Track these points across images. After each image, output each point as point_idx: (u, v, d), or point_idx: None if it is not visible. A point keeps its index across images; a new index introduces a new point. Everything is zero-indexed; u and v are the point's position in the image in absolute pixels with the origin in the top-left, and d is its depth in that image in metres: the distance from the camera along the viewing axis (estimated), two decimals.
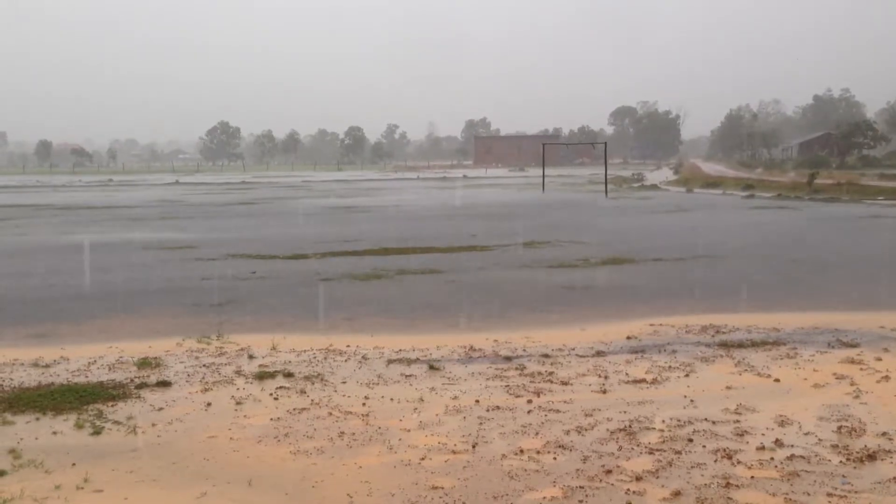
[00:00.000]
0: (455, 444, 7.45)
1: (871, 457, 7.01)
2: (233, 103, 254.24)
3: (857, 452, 7.11)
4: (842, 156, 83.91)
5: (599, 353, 10.84)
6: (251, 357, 10.84)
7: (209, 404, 8.78)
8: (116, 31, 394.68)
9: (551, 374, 9.83)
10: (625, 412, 8.32)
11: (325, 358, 10.75)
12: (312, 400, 8.88)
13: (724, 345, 11.18)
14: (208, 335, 12.16)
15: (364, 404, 8.72)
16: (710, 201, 45.48)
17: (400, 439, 7.63)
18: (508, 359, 10.61)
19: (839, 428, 7.77)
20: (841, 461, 6.94)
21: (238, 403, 8.80)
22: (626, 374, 9.82)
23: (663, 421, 8.02)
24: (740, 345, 11.17)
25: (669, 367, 10.10)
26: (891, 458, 7.00)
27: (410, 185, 73.38)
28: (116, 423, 8.18)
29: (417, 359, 10.65)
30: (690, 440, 7.48)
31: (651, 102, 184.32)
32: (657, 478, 6.62)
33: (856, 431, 7.67)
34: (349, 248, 23.65)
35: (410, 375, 9.87)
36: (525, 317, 13.55)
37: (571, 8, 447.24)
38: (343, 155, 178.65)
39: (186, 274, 18.93)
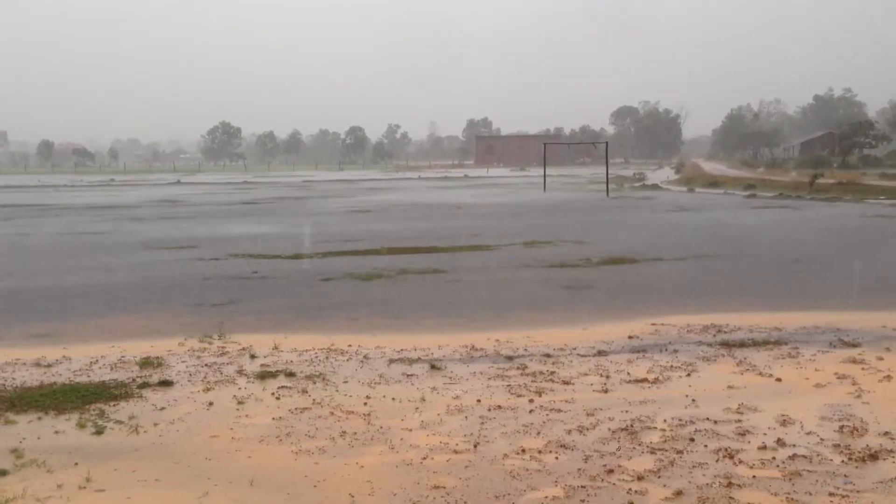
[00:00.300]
0: (457, 444, 7.45)
1: (873, 456, 7.01)
2: (234, 103, 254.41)
3: (859, 452, 7.10)
4: (843, 155, 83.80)
5: (601, 353, 10.84)
6: (253, 357, 10.84)
7: (211, 404, 8.79)
8: (118, 31, 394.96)
9: (553, 373, 9.83)
10: (626, 412, 8.32)
11: (327, 357, 10.75)
12: (314, 399, 8.88)
13: (726, 344, 11.18)
14: (210, 335, 12.16)
15: (366, 404, 8.72)
16: (712, 201, 45.45)
17: (402, 439, 7.63)
18: (510, 358, 10.61)
19: (841, 427, 7.77)
20: (843, 461, 6.94)
21: (240, 403, 8.81)
22: (628, 373, 9.82)
23: (665, 420, 8.02)
24: (742, 344, 11.16)
25: (671, 366, 10.10)
26: (892, 457, 6.99)
27: (412, 185, 73.36)
28: (118, 422, 8.18)
29: (419, 358, 10.65)
30: (692, 440, 7.48)
31: (652, 102, 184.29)
32: (659, 477, 6.62)
33: (857, 431, 7.66)
34: (350, 247, 23.66)
35: (412, 375, 9.87)
36: (526, 316, 13.55)
37: (573, 7, 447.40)
38: (344, 155, 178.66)
39: (188, 273, 18.94)
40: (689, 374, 9.73)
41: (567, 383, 9.40)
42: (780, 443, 7.36)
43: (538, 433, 7.71)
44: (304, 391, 9.20)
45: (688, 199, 47.12)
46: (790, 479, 6.55)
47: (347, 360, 10.64)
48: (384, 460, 7.10)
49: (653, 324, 12.63)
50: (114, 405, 8.74)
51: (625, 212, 38.33)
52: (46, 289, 17.01)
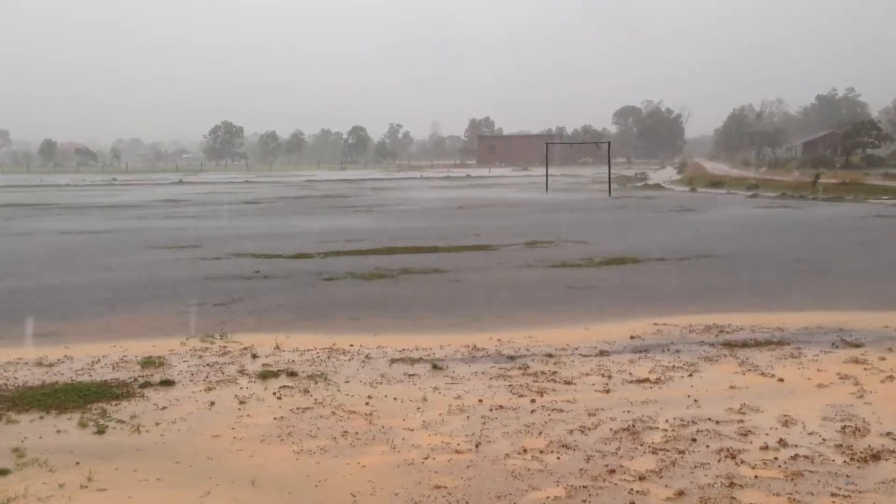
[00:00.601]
0: (458, 444, 7.45)
1: (875, 457, 6.99)
2: (236, 103, 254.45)
3: (861, 452, 7.09)
4: (846, 155, 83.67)
5: (603, 353, 10.83)
6: (254, 356, 10.85)
7: (213, 403, 8.79)
8: (119, 31, 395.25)
9: (555, 373, 9.83)
10: (628, 412, 8.31)
11: (329, 357, 10.76)
12: (316, 399, 8.89)
13: (728, 344, 11.16)
14: (212, 334, 12.17)
15: (367, 404, 8.72)
16: (714, 201, 45.43)
17: (403, 439, 7.63)
18: (512, 358, 10.60)
19: (843, 428, 7.76)
20: (845, 461, 6.93)
21: (241, 403, 8.81)
22: (630, 373, 9.81)
23: (667, 421, 8.01)
24: (744, 344, 11.15)
25: (673, 366, 10.09)
26: (895, 458, 6.98)
27: (414, 185, 73.38)
28: (120, 422, 8.19)
29: (421, 358, 10.65)
30: (694, 440, 7.47)
31: (654, 102, 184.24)
32: (660, 477, 6.61)
33: (860, 431, 7.65)
34: (352, 247, 23.67)
35: (414, 375, 9.87)
36: (528, 316, 13.55)
37: (573, 7, 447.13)
38: (346, 155, 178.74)
39: (189, 273, 18.96)
40: (691, 375, 9.72)
41: (569, 383, 9.39)
42: (782, 443, 7.35)
43: (540, 433, 7.70)
44: (306, 391, 9.20)
45: (690, 199, 47.09)
46: (792, 480, 6.54)
47: (349, 359, 10.64)
48: (386, 460, 7.10)
49: (655, 324, 12.62)
50: (115, 404, 8.75)
51: (627, 212, 38.31)
52: (48, 288, 17.02)
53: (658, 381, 9.47)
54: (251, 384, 9.52)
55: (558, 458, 7.08)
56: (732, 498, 6.21)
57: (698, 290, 15.94)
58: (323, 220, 35.08)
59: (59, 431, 7.92)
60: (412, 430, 7.87)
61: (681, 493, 6.28)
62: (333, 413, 8.41)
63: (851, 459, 6.96)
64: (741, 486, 6.42)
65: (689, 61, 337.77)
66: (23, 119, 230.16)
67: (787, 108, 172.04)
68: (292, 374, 9.88)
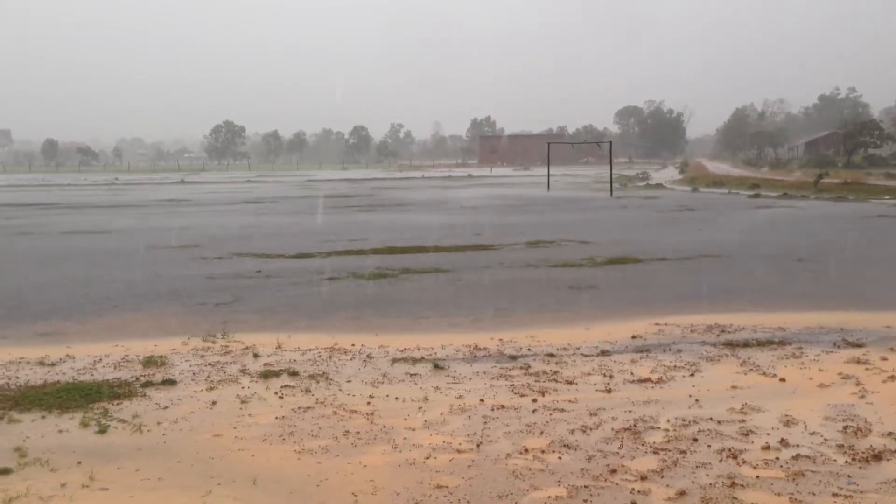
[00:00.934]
0: (460, 444, 7.45)
1: (877, 457, 6.99)
2: (238, 102, 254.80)
3: (863, 452, 7.09)
4: (848, 155, 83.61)
5: (604, 353, 10.83)
6: (256, 356, 10.85)
7: (214, 403, 8.80)
8: (121, 31, 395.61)
9: (556, 373, 9.83)
10: (630, 412, 8.31)
11: (330, 357, 10.76)
12: (317, 399, 8.89)
13: (730, 344, 11.16)
14: (213, 334, 12.18)
15: (369, 403, 8.72)
16: (716, 200, 45.40)
17: (405, 438, 7.63)
18: (513, 358, 10.60)
19: (845, 428, 7.75)
20: (846, 461, 6.93)
21: (243, 402, 8.81)
22: (631, 373, 9.81)
23: (668, 420, 8.01)
24: (745, 344, 11.15)
25: (674, 366, 10.09)
26: None
27: (420, 185, 73.40)
28: (122, 421, 8.20)
29: (422, 358, 10.65)
30: (695, 440, 7.47)
31: (656, 101, 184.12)
32: (662, 477, 6.61)
33: (861, 431, 7.65)
34: (354, 247, 23.68)
35: (415, 374, 9.87)
36: (530, 316, 13.55)
37: (575, 7, 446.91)
38: (348, 154, 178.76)
39: (191, 273, 18.96)
40: (692, 374, 9.72)
41: (570, 383, 9.39)
42: (784, 443, 7.35)
43: (541, 433, 7.70)
44: (308, 390, 9.20)
45: (692, 199, 47.07)
46: (794, 480, 6.54)
47: (350, 359, 10.65)
48: (387, 460, 7.10)
49: (656, 324, 12.62)
50: (117, 404, 8.76)
51: (629, 211, 38.31)
52: (49, 288, 17.03)
53: (659, 380, 9.47)
54: (253, 384, 9.53)
55: (560, 457, 7.08)
56: (734, 498, 6.20)
57: (700, 290, 15.93)
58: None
59: (60, 431, 7.92)
60: (414, 429, 7.88)
61: (682, 493, 6.28)
62: (335, 412, 8.41)
63: (853, 459, 6.95)
64: (743, 485, 6.42)
65: (691, 61, 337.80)
66: (24, 119, 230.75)
67: (789, 107, 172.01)
68: (294, 373, 9.89)
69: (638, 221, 32.75)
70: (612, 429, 7.80)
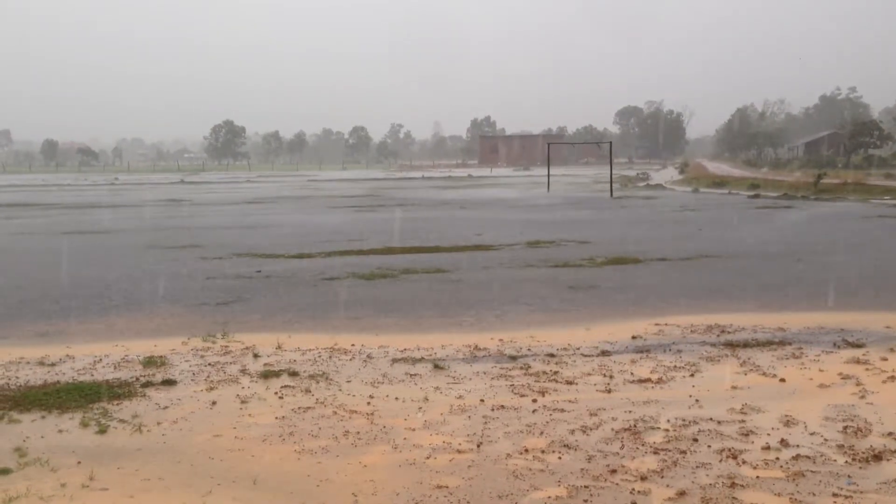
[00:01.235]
0: (460, 444, 7.45)
1: (877, 457, 6.99)
2: (238, 103, 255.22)
3: (863, 453, 7.09)
4: (848, 155, 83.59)
5: (604, 353, 10.83)
6: (256, 356, 10.85)
7: (214, 403, 8.79)
8: (121, 31, 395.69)
9: (556, 373, 9.83)
10: (630, 412, 8.30)
11: (330, 357, 10.76)
12: (317, 399, 8.89)
13: (730, 344, 11.16)
14: (213, 334, 12.18)
15: (369, 403, 8.72)
16: (716, 201, 45.40)
17: (405, 438, 7.62)
18: (513, 358, 10.60)
19: (845, 428, 7.75)
20: (846, 461, 6.92)
21: (243, 402, 8.81)
22: (631, 373, 9.80)
23: (668, 421, 8.01)
24: (745, 344, 11.14)
25: (674, 366, 10.08)
26: None
27: (417, 185, 73.39)
28: (122, 421, 8.19)
29: (422, 358, 10.65)
30: (695, 440, 7.47)
31: (656, 102, 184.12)
32: (662, 478, 6.61)
33: (861, 432, 7.65)
34: (355, 247, 23.68)
35: (415, 375, 9.87)
36: (530, 316, 13.54)
37: (575, 7, 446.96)
38: (348, 154, 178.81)
39: (191, 273, 18.96)
40: (692, 375, 9.72)
41: (570, 383, 9.39)
42: (784, 443, 7.35)
43: (541, 433, 7.70)
44: (308, 391, 9.20)
45: (692, 199, 47.07)
46: (794, 480, 6.54)
47: (350, 359, 10.64)
48: (387, 460, 7.10)
49: (656, 324, 12.62)
50: (117, 404, 8.75)
51: (629, 212, 38.31)
52: (50, 287, 17.03)
53: (660, 381, 9.46)
54: (253, 384, 9.52)
55: (560, 457, 7.08)
56: (734, 498, 6.20)
57: (700, 290, 15.93)
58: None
59: (60, 431, 7.92)
60: (414, 429, 7.87)
61: (682, 494, 6.28)
62: (335, 413, 8.41)
63: (853, 460, 6.95)
64: (743, 486, 6.42)
65: (691, 61, 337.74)
66: (24, 119, 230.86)
67: (790, 108, 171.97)
68: (294, 373, 9.88)
69: (638, 222, 32.74)
70: (613, 429, 7.79)
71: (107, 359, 10.82)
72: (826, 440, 7.44)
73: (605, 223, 32.11)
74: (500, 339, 11.70)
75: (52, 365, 10.53)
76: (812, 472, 6.70)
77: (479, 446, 7.38)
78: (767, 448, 7.24)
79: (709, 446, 7.31)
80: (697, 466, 6.83)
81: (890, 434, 7.56)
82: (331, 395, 9.01)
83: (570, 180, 76.72)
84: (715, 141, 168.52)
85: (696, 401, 8.66)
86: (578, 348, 11.10)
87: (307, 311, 14.29)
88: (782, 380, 9.43)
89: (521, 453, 7.18)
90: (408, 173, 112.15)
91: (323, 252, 22.43)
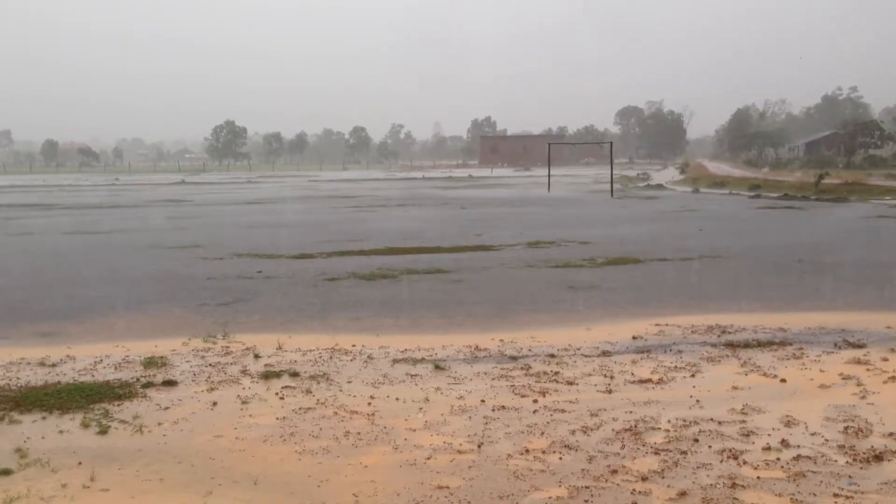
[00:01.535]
0: (460, 444, 7.45)
1: (878, 457, 6.99)
2: (238, 103, 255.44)
3: (864, 453, 7.09)
4: (848, 155, 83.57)
5: (605, 353, 10.83)
6: (257, 356, 10.85)
7: (215, 404, 8.80)
8: (122, 31, 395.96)
9: (557, 373, 9.83)
10: (630, 412, 8.31)
11: (331, 357, 10.76)
12: (318, 399, 8.89)
13: (730, 345, 11.16)
14: (214, 334, 12.18)
15: (369, 404, 8.72)
16: (717, 201, 45.40)
17: (405, 439, 7.63)
18: (514, 358, 10.60)
19: (845, 428, 7.75)
20: (847, 462, 6.92)
21: (244, 403, 8.81)
22: (632, 374, 9.80)
23: (669, 421, 8.01)
24: (746, 345, 11.14)
25: (675, 367, 10.08)
26: None
27: (418, 185, 73.40)
28: (123, 422, 8.20)
29: (423, 358, 10.65)
30: (696, 440, 7.47)
31: (657, 102, 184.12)
32: (663, 478, 6.61)
33: (862, 432, 7.65)
34: (355, 247, 23.68)
35: (416, 375, 9.87)
36: (530, 317, 13.55)
37: (575, 7, 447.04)
38: (348, 155, 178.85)
39: (191, 273, 18.96)
40: (693, 375, 9.72)
41: (571, 384, 9.39)
42: (785, 444, 7.35)
43: (542, 433, 7.70)
44: (308, 391, 9.20)
45: (692, 200, 47.06)
46: (794, 480, 6.54)
47: (351, 360, 10.65)
48: (388, 460, 7.10)
49: (657, 324, 12.62)
50: (118, 405, 8.76)
51: (629, 212, 38.30)
52: (51, 288, 17.04)
53: (660, 381, 9.46)
54: (253, 384, 9.53)
55: (560, 458, 7.08)
56: (735, 498, 6.20)
57: (700, 291, 15.93)
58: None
59: (61, 432, 7.92)
60: (414, 430, 7.88)
61: (683, 494, 6.28)
62: (335, 413, 8.41)
63: (854, 460, 6.95)
64: (743, 486, 6.42)
65: (691, 61, 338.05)
66: (24, 119, 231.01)
67: (790, 108, 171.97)
68: (294, 374, 9.89)
69: (639, 222, 32.73)
70: (613, 429, 7.79)
71: (107, 359, 10.82)
72: (827, 440, 7.44)
73: (606, 223, 32.10)
74: (501, 340, 11.70)
75: (53, 365, 10.53)
76: (813, 472, 6.70)
77: (479, 447, 7.38)
78: (768, 448, 7.24)
79: (709, 447, 7.31)
80: (698, 467, 6.84)
81: (891, 434, 7.56)
82: (331, 396, 9.01)
83: (570, 180, 76.72)
84: (715, 141, 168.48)
85: (697, 401, 8.66)
86: (579, 349, 11.10)
87: (308, 311, 14.29)
88: (783, 380, 9.43)
89: (522, 454, 7.18)
90: (408, 173, 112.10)
91: (324, 252, 22.42)
